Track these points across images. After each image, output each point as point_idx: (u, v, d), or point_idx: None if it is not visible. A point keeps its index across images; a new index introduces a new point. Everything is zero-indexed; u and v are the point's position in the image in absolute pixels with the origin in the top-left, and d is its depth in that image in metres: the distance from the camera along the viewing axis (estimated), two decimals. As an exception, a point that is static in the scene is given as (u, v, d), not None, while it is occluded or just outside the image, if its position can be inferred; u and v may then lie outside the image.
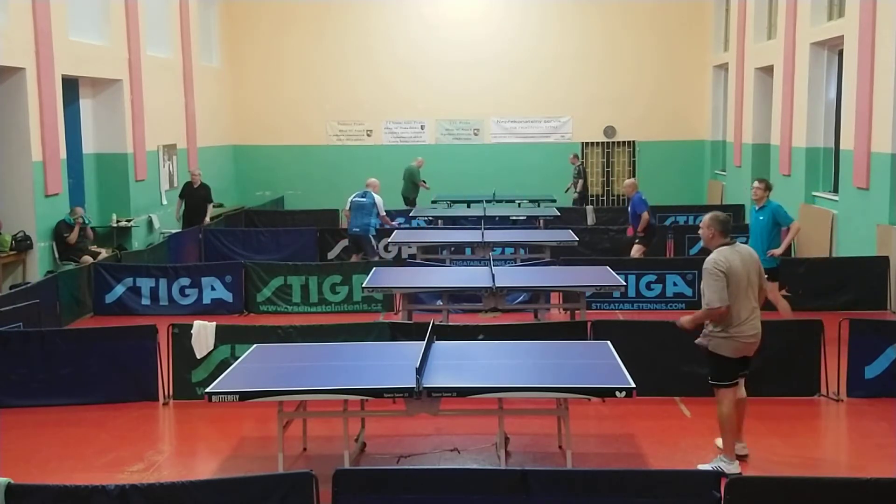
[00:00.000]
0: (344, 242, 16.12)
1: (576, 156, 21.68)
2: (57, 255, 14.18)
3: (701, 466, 6.98)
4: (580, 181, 20.93)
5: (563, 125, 23.81)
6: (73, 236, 14.08)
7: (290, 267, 13.18)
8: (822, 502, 5.18)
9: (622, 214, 16.14)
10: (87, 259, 13.91)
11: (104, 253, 14.68)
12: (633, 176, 23.65)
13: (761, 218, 10.65)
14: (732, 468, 6.93)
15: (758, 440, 7.34)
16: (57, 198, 14.34)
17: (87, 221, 14.64)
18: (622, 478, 5.47)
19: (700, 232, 7.22)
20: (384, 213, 14.46)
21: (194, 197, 17.50)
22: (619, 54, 23.46)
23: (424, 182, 21.08)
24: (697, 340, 7.14)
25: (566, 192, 21.15)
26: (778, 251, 10.47)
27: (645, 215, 13.70)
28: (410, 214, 18.02)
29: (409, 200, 20.76)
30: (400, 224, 17.79)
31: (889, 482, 5.28)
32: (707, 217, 7.18)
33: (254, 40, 23.69)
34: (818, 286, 12.28)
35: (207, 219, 17.62)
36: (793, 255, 10.74)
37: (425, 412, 6.73)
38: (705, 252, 15.71)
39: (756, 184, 10.94)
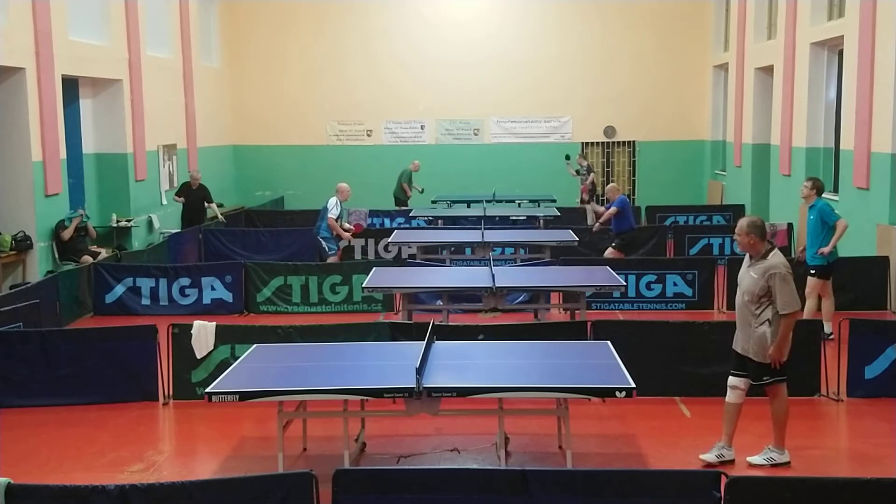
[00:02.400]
0: (344, 243, 16.12)
1: (581, 156, 21.71)
2: (57, 255, 14.19)
3: (750, 459, 7.15)
4: (591, 175, 20.88)
5: (563, 125, 23.81)
6: (68, 232, 14.06)
7: (290, 267, 13.17)
8: (822, 502, 5.18)
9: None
10: (87, 259, 13.91)
11: (104, 253, 14.68)
12: (633, 176, 23.70)
13: (811, 217, 10.72)
14: (784, 457, 7.14)
15: (758, 440, 7.34)
16: (57, 198, 14.34)
17: (86, 219, 14.64)
18: (622, 478, 5.47)
19: (738, 239, 7.17)
20: (332, 217, 13.68)
21: (193, 197, 17.64)
22: (619, 54, 23.45)
23: (418, 186, 21.00)
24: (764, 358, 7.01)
25: (577, 174, 21.08)
26: (825, 249, 10.50)
27: (613, 209, 13.80)
28: (410, 214, 18.02)
29: (399, 201, 20.74)
30: (400, 225, 17.83)
31: (889, 482, 5.28)
32: (745, 224, 7.13)
33: (254, 40, 23.69)
34: (818, 286, 12.26)
35: (220, 216, 18.03)
36: (836, 256, 10.81)
37: (425, 412, 6.73)
38: (706, 252, 15.81)
39: (804, 182, 11.01)
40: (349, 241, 14.89)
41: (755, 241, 7.08)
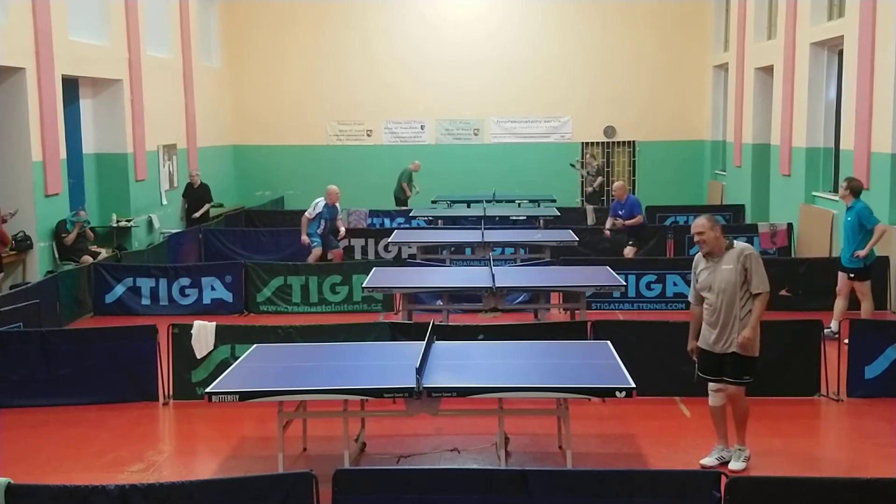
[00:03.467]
0: (344, 242, 16.15)
1: (592, 156, 21.74)
2: (57, 255, 14.18)
3: (733, 466, 7.01)
4: (598, 179, 20.85)
5: (563, 125, 23.81)
6: (70, 238, 14.08)
7: (290, 267, 13.17)
8: (822, 502, 5.18)
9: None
10: (87, 259, 13.92)
11: (104, 253, 14.68)
12: (633, 176, 23.69)
13: (849, 218, 10.69)
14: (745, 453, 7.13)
15: (758, 440, 7.34)
16: (57, 198, 14.34)
17: (87, 223, 14.66)
18: (622, 478, 5.47)
19: (703, 237, 6.92)
20: (306, 216, 14.21)
21: (194, 196, 18.01)
22: (619, 54, 23.45)
23: (417, 186, 20.95)
24: (741, 350, 6.92)
25: (585, 190, 21.03)
26: (861, 252, 10.48)
27: (639, 218, 13.82)
28: (410, 215, 18.02)
29: (399, 201, 20.70)
30: (400, 225, 17.83)
31: (889, 482, 5.28)
32: (706, 220, 6.96)
33: (254, 40, 23.69)
34: (818, 286, 12.25)
35: (199, 214, 18.20)
36: (874, 257, 10.81)
37: (425, 412, 6.73)
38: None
39: (841, 183, 11.00)
40: (343, 239, 15.05)
41: (719, 235, 6.96)
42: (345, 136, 24.00)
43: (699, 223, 6.98)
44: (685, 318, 11.41)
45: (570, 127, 23.81)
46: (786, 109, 17.02)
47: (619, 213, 14.19)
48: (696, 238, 7.02)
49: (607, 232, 14.59)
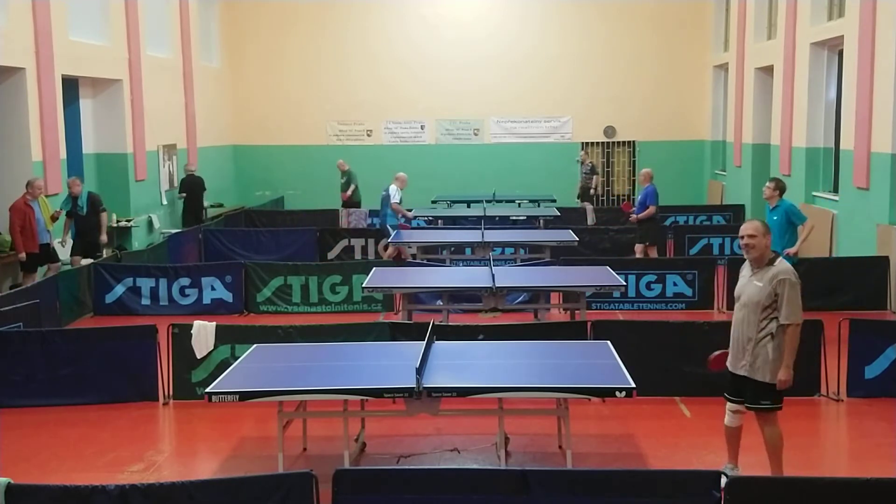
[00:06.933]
0: (344, 242, 16.18)
1: (585, 153, 21.74)
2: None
3: None
4: (594, 178, 20.84)
5: (563, 125, 23.81)
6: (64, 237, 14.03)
7: (290, 267, 13.18)
8: (822, 502, 5.18)
9: (622, 214, 16.17)
10: (88, 259, 13.92)
11: (104, 253, 14.67)
12: (633, 176, 23.69)
13: (775, 218, 10.60)
14: None
15: (758, 440, 7.32)
16: (57, 198, 14.33)
17: (80, 207, 14.15)
18: (622, 478, 5.47)
19: (752, 241, 6.40)
20: (395, 202, 15.11)
21: (191, 186, 18.75)
22: (619, 54, 23.46)
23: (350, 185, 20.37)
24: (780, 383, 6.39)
25: (578, 198, 21.02)
26: (793, 249, 10.43)
27: (651, 208, 13.80)
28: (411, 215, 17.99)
29: (349, 204, 19.96)
30: (415, 217, 17.77)
31: (889, 482, 5.28)
32: (760, 224, 6.47)
33: (254, 40, 23.70)
34: (818, 286, 12.24)
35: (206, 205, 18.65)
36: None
37: (425, 412, 6.73)
38: (706, 252, 15.65)
39: (767, 184, 10.92)
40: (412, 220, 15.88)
41: (769, 244, 6.50)
42: (345, 136, 24.00)
43: (752, 226, 6.48)
44: (685, 318, 11.51)
45: (570, 127, 23.81)
46: (786, 109, 17.02)
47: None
48: (745, 241, 6.46)
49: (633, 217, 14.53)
